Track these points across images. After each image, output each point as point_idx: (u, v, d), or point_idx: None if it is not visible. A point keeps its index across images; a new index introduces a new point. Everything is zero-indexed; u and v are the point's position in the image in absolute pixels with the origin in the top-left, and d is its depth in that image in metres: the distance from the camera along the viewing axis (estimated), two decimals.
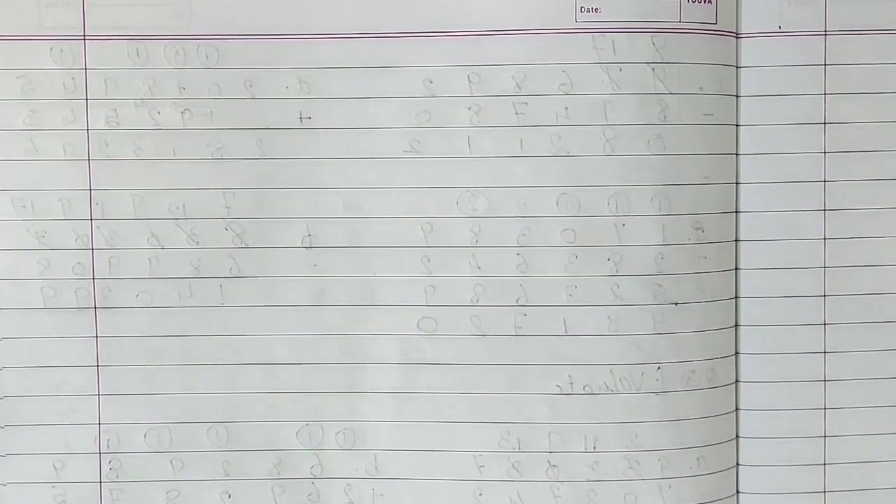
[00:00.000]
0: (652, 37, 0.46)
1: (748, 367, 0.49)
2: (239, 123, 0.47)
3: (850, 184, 0.48)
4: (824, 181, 0.48)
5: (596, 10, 0.46)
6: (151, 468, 0.48)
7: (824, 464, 0.49)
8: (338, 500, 0.48)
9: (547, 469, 0.48)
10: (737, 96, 0.48)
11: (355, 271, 0.47)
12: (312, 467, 0.48)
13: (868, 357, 0.49)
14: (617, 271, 0.47)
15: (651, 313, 0.47)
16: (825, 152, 0.48)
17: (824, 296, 0.48)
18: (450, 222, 0.47)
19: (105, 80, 0.46)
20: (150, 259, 0.47)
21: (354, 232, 0.47)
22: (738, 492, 0.49)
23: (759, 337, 0.48)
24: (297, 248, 0.47)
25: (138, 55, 0.46)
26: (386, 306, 0.47)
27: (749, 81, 0.48)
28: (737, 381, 0.49)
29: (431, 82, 0.47)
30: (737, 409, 0.49)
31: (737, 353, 0.48)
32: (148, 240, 0.47)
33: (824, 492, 0.49)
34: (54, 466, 0.47)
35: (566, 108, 0.46)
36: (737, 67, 0.48)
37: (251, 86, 0.46)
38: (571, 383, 0.47)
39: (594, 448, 0.47)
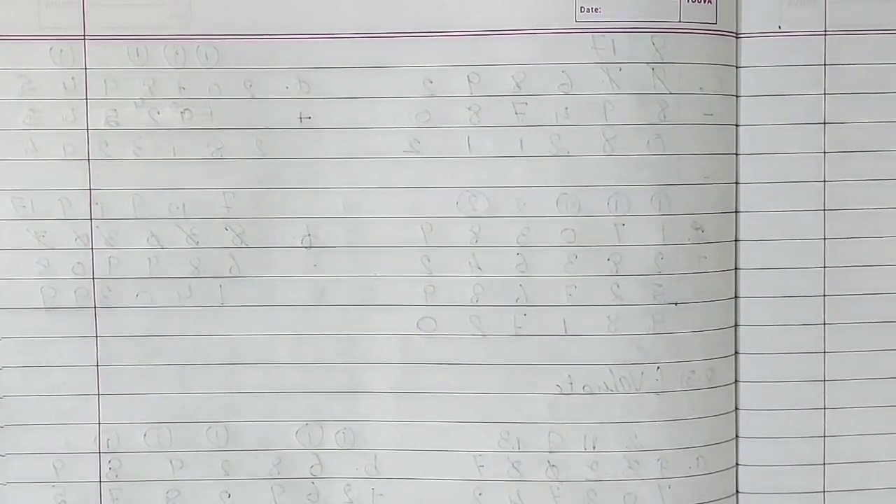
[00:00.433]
0: (652, 37, 0.46)
1: (748, 367, 0.49)
2: (239, 123, 0.47)
3: (849, 184, 0.48)
4: (824, 181, 0.48)
5: (596, 10, 0.46)
6: (151, 468, 0.48)
7: (824, 464, 0.49)
8: (338, 500, 0.48)
9: (547, 469, 0.48)
10: (736, 96, 0.48)
11: (355, 271, 0.47)
12: (312, 467, 0.48)
13: (867, 357, 0.49)
14: (617, 271, 0.47)
15: (651, 313, 0.47)
16: (825, 152, 0.48)
17: (824, 296, 0.48)
18: (450, 222, 0.47)
19: (105, 80, 0.46)
20: (149, 259, 0.47)
21: (354, 232, 0.47)
22: (737, 492, 0.49)
23: (759, 337, 0.49)
24: (297, 248, 0.47)
25: (138, 55, 0.46)
26: (386, 306, 0.47)
27: (749, 81, 0.48)
28: (736, 380, 0.49)
29: (431, 82, 0.47)
30: (736, 408, 0.49)
31: (736, 352, 0.49)
32: (148, 240, 0.47)
33: (824, 492, 0.49)
34: (54, 466, 0.47)
35: (566, 108, 0.47)
36: (736, 67, 0.48)
37: (251, 86, 0.47)
38: (571, 383, 0.47)
39: (594, 448, 0.47)
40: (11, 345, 0.47)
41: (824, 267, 0.48)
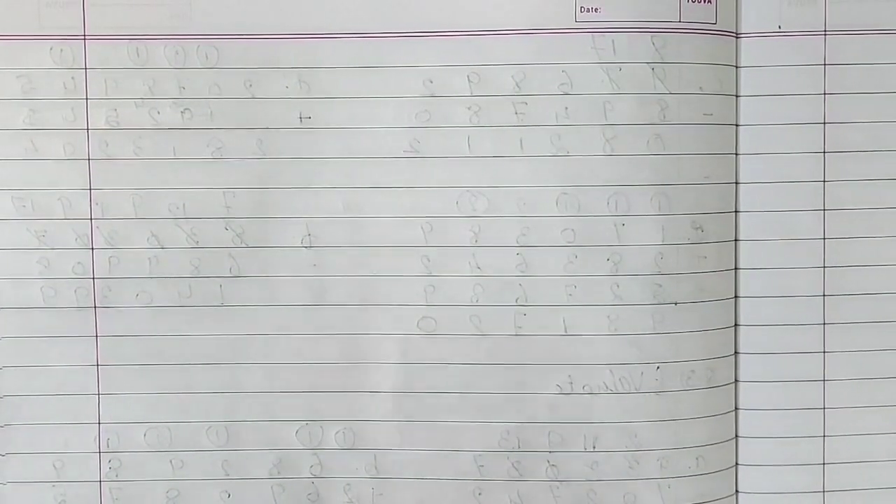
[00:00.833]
0: (652, 37, 0.46)
1: (747, 367, 0.49)
2: (239, 123, 0.47)
3: (849, 184, 0.48)
4: (823, 181, 0.48)
5: (596, 9, 0.46)
6: (151, 467, 0.48)
7: (823, 463, 0.49)
8: (337, 500, 0.48)
9: (546, 469, 0.48)
10: (736, 96, 0.48)
11: (355, 271, 0.47)
12: (312, 467, 0.48)
13: (867, 357, 0.49)
14: (616, 271, 0.47)
15: (650, 313, 0.47)
16: (824, 152, 0.48)
17: (823, 295, 0.48)
18: (450, 222, 0.47)
19: (105, 80, 0.46)
20: (149, 259, 0.47)
21: (355, 232, 0.47)
22: (737, 491, 0.49)
23: (759, 337, 0.49)
24: (297, 248, 0.47)
25: (138, 55, 0.46)
26: (386, 306, 0.47)
27: (749, 81, 0.48)
28: (736, 380, 0.49)
29: (431, 82, 0.47)
30: (736, 408, 0.49)
31: (736, 352, 0.49)
32: (148, 239, 0.47)
33: (823, 491, 0.49)
34: (54, 466, 0.47)
35: (566, 108, 0.47)
36: (736, 67, 0.48)
37: (251, 85, 0.47)
38: (571, 383, 0.47)
39: (594, 448, 0.48)
40: (11, 344, 0.47)
41: (824, 267, 0.48)
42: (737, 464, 0.49)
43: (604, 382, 0.47)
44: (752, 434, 0.49)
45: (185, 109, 0.46)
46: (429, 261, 0.47)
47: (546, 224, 0.47)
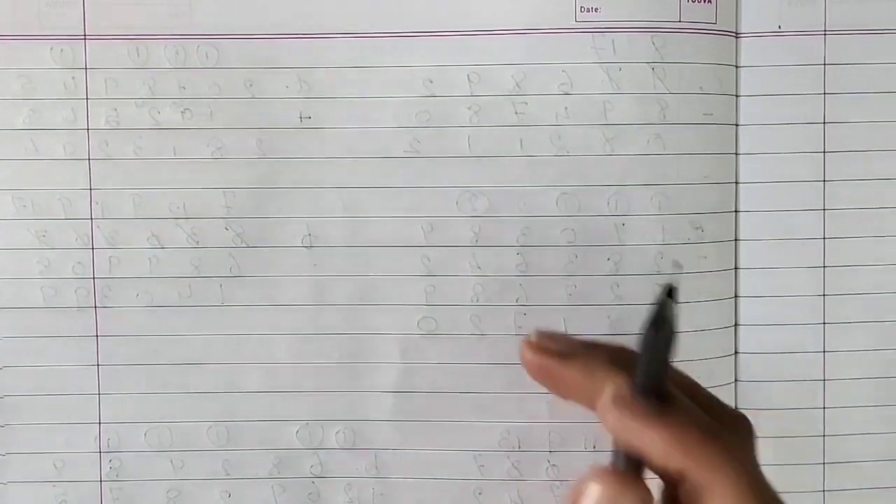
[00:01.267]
0: (652, 37, 0.46)
1: (747, 367, 0.49)
2: (239, 123, 0.47)
3: (849, 183, 0.48)
4: (823, 181, 0.48)
5: (596, 9, 0.46)
6: (152, 467, 0.48)
7: (823, 463, 0.49)
8: (338, 500, 0.48)
9: (547, 468, 0.48)
10: (736, 96, 0.48)
11: (355, 271, 0.47)
12: (312, 466, 0.48)
13: (867, 356, 0.49)
14: (616, 271, 0.47)
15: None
16: (824, 152, 0.48)
17: (823, 295, 0.49)
18: (450, 222, 0.47)
19: (105, 80, 0.46)
20: (150, 258, 0.47)
21: (355, 231, 0.47)
22: None
23: (759, 336, 0.49)
24: (297, 248, 0.47)
25: (138, 55, 0.46)
26: (386, 306, 0.48)
27: (749, 81, 0.48)
28: (736, 380, 0.49)
29: (431, 82, 0.47)
30: (736, 407, 0.48)
31: (736, 352, 0.49)
32: (148, 239, 0.47)
33: (823, 491, 0.49)
34: (55, 465, 0.47)
35: (566, 108, 0.47)
36: (736, 67, 0.48)
37: (251, 85, 0.47)
38: None
39: (594, 448, 0.48)
40: (12, 344, 0.47)
41: (824, 266, 0.48)
42: None
43: None
44: None
45: (186, 109, 0.46)
46: (429, 260, 0.47)
47: (546, 224, 0.47)
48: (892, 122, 0.48)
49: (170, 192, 0.47)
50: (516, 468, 0.48)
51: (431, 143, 0.47)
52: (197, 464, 0.48)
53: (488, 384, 0.48)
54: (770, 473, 0.47)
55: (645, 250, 0.47)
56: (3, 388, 0.47)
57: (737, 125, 0.48)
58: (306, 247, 0.47)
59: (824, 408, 0.49)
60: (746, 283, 0.49)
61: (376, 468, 0.48)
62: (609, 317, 0.47)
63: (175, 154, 0.47)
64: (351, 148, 0.47)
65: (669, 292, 0.33)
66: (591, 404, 0.36)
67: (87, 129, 0.46)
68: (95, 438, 0.47)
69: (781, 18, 0.48)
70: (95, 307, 0.47)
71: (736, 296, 0.49)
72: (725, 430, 0.34)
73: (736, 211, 0.48)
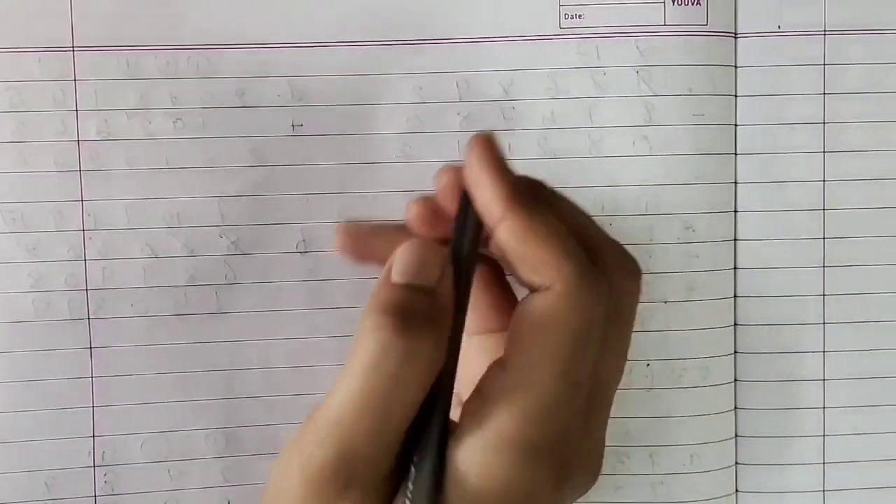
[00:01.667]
0: (636, 41, 0.47)
1: (747, 367, 0.49)
2: (231, 132, 0.47)
3: (848, 183, 0.48)
4: (823, 181, 0.48)
5: (579, 16, 0.47)
6: (148, 479, 0.48)
7: (823, 463, 0.49)
8: None
9: None
10: (735, 96, 0.48)
11: (351, 275, 0.47)
12: None
13: (866, 357, 0.49)
14: None
15: (639, 311, 0.47)
16: (824, 152, 0.48)
17: (823, 295, 0.49)
18: None
19: (95, 91, 0.46)
20: (144, 268, 0.47)
21: None
22: (736, 490, 0.49)
23: (758, 336, 0.49)
24: (292, 254, 0.47)
25: (128, 65, 0.46)
26: None
27: (747, 81, 0.48)
28: (735, 380, 0.49)
29: (421, 89, 0.47)
30: (735, 408, 0.49)
31: (735, 352, 0.49)
32: (142, 249, 0.47)
33: (823, 491, 0.49)
34: (45, 483, 0.47)
35: (552, 112, 0.47)
36: (735, 67, 0.48)
37: (243, 94, 0.47)
38: None
39: None
40: (2, 358, 0.47)
41: (823, 266, 0.48)
42: (736, 463, 0.49)
43: None
44: (751, 433, 0.49)
45: (177, 119, 0.46)
46: None
47: None
48: (892, 122, 0.48)
49: (163, 201, 0.47)
50: None
51: (422, 148, 0.47)
52: (195, 472, 0.48)
53: None
54: (770, 473, 0.48)
55: (632, 249, 0.47)
56: None
57: (735, 125, 0.48)
58: (301, 252, 0.47)
59: (824, 408, 0.49)
60: (745, 282, 0.49)
61: None
62: None
63: (168, 164, 0.47)
64: (343, 154, 0.47)
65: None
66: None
67: (78, 141, 0.46)
68: (89, 453, 0.47)
69: (780, 18, 0.48)
70: (89, 319, 0.47)
71: (735, 296, 0.49)
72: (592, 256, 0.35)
73: (735, 211, 0.48)
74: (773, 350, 0.49)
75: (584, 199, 0.46)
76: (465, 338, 0.34)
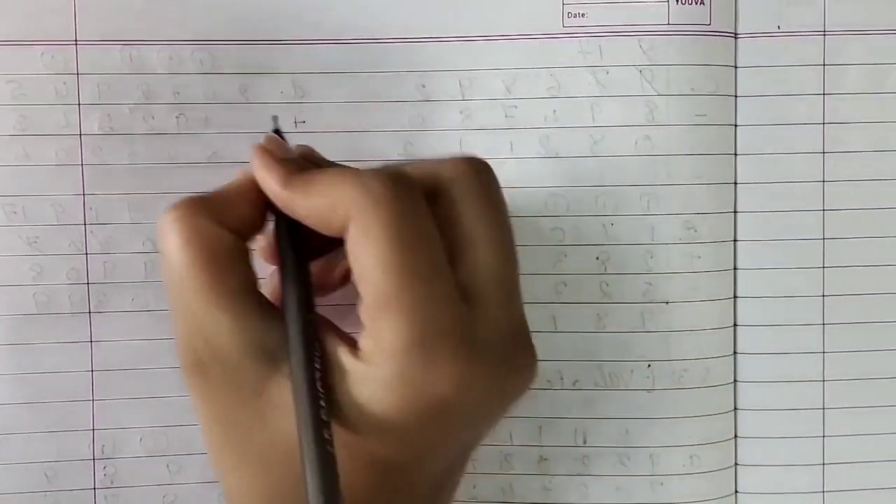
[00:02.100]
0: (639, 40, 0.47)
1: (747, 367, 0.49)
2: (234, 128, 0.47)
3: (848, 184, 0.49)
4: (823, 181, 0.48)
5: (583, 15, 0.47)
6: (147, 473, 0.48)
7: (823, 464, 0.49)
8: None
9: (538, 462, 0.49)
10: (735, 96, 0.48)
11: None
12: None
13: (866, 357, 0.49)
14: (605, 269, 0.48)
15: (640, 311, 0.48)
16: (824, 152, 0.48)
17: (823, 296, 0.49)
18: None
19: (98, 85, 0.47)
20: (145, 263, 0.47)
21: None
22: (736, 491, 0.49)
23: (758, 337, 0.49)
24: None
25: (131, 60, 0.47)
26: None
27: (748, 81, 0.48)
28: (735, 380, 0.49)
29: (424, 86, 0.47)
30: (735, 408, 0.49)
31: (735, 352, 0.49)
32: (143, 243, 0.47)
33: (823, 491, 0.49)
34: (46, 475, 0.47)
35: (554, 111, 0.48)
36: (735, 67, 0.48)
37: (245, 90, 0.47)
38: (562, 378, 0.48)
39: (584, 443, 0.48)
40: (4, 351, 0.47)
41: (823, 267, 0.49)
42: (736, 464, 0.49)
43: (594, 379, 0.48)
44: (751, 434, 0.49)
45: (180, 114, 0.47)
46: None
47: (535, 223, 0.48)
48: (892, 122, 0.48)
49: (165, 196, 0.47)
50: (508, 461, 0.49)
51: (424, 145, 0.48)
52: (194, 467, 0.48)
53: None
54: (770, 474, 0.48)
55: (633, 249, 0.48)
56: None
57: (735, 125, 0.48)
58: None
59: (824, 408, 0.49)
60: (746, 283, 0.49)
61: None
62: (598, 314, 0.48)
63: (170, 159, 0.47)
64: (345, 151, 0.47)
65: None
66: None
67: (80, 135, 0.46)
68: (89, 445, 0.48)
69: (780, 19, 0.48)
70: (90, 313, 0.47)
71: (735, 296, 0.49)
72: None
73: (735, 211, 0.49)
74: (772, 351, 0.49)
75: (586, 199, 0.47)
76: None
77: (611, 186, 0.48)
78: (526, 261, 0.46)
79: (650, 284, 0.48)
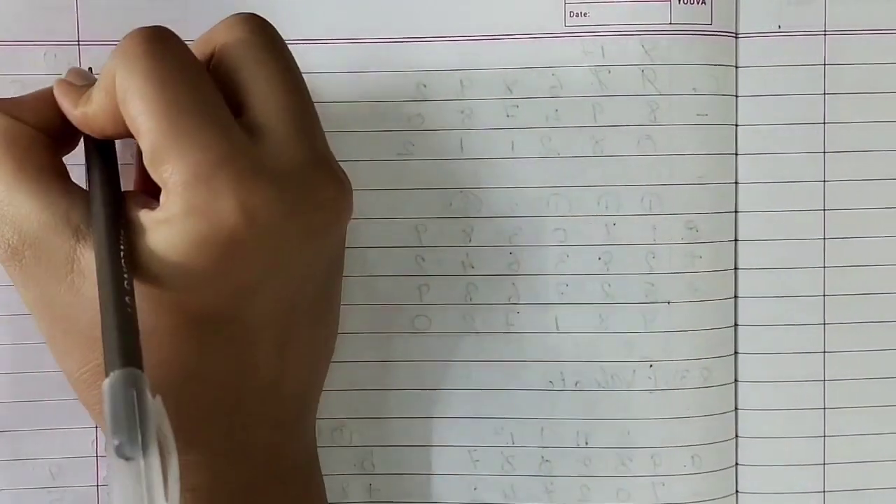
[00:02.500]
0: (641, 39, 0.47)
1: (747, 367, 0.50)
2: None
3: (849, 184, 0.49)
4: (823, 181, 0.49)
5: (585, 14, 0.47)
6: None
7: (823, 464, 0.50)
8: (334, 496, 0.49)
9: (540, 464, 0.49)
10: (736, 96, 0.49)
11: (351, 271, 0.48)
12: None
13: (867, 357, 0.50)
14: (607, 270, 0.48)
15: (642, 312, 0.48)
16: (824, 152, 0.49)
17: (823, 296, 0.49)
18: (443, 222, 0.48)
19: None
20: None
21: (349, 232, 0.47)
22: (737, 491, 0.50)
23: (759, 337, 0.49)
24: None
25: None
26: (381, 305, 0.49)
27: (748, 81, 0.49)
28: (736, 380, 0.50)
29: (425, 86, 0.48)
30: (736, 408, 0.50)
31: (736, 352, 0.49)
32: None
33: (823, 492, 0.50)
34: (50, 471, 0.48)
35: (556, 111, 0.48)
36: (736, 67, 0.48)
37: None
38: (563, 379, 0.49)
39: (586, 444, 0.49)
40: (5, 351, 0.47)
41: (824, 267, 0.49)
42: (736, 464, 0.50)
43: (595, 379, 0.49)
44: (751, 434, 0.50)
45: None
46: (423, 260, 0.49)
47: (537, 223, 0.48)
48: (892, 122, 0.49)
49: None
50: (510, 462, 0.49)
51: (424, 145, 0.48)
52: None
53: (482, 381, 0.49)
54: (770, 474, 0.49)
55: (636, 249, 0.48)
56: None
57: (736, 125, 0.49)
58: None
59: (824, 408, 0.49)
60: (746, 283, 0.49)
61: (373, 464, 0.49)
62: (600, 315, 0.48)
63: None
64: (344, 151, 0.47)
65: None
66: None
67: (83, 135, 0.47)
68: (92, 443, 0.48)
69: (781, 18, 0.48)
70: None
71: (735, 296, 0.49)
72: None
73: (736, 211, 0.49)
74: (773, 351, 0.49)
75: (587, 200, 0.48)
76: None
77: (612, 186, 0.48)
78: (527, 261, 0.48)
79: (652, 285, 0.48)
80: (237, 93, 0.39)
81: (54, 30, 0.47)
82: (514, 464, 0.49)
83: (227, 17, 0.41)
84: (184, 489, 0.36)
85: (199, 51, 0.40)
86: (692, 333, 0.48)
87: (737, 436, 0.50)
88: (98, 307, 0.35)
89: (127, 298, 0.34)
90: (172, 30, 0.39)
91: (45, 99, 0.41)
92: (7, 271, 0.39)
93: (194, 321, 0.38)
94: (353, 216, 0.46)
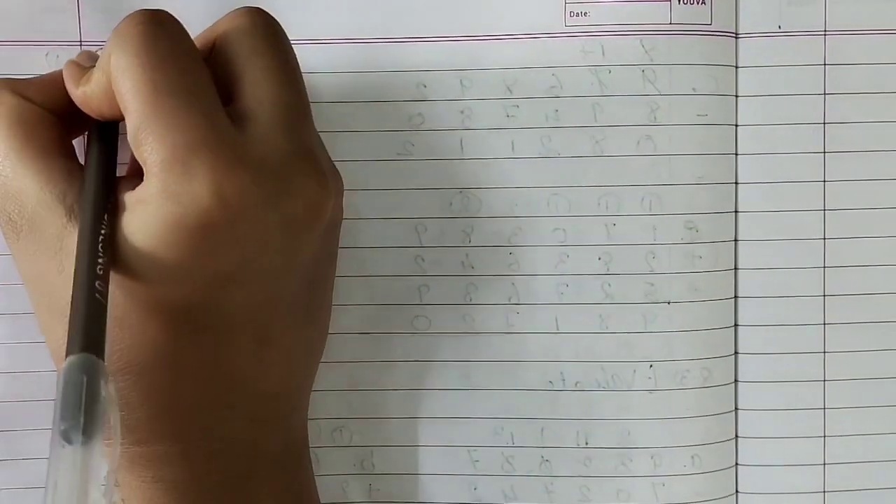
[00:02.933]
0: (641, 39, 0.48)
1: (747, 367, 0.50)
2: None
3: (849, 184, 0.49)
4: (824, 181, 0.49)
5: (585, 14, 0.48)
6: None
7: (824, 464, 0.50)
8: (334, 496, 0.50)
9: (540, 464, 0.50)
10: (736, 96, 0.49)
11: (351, 271, 0.49)
12: None
13: (867, 357, 0.50)
14: (607, 270, 0.49)
15: (642, 312, 0.49)
16: (824, 152, 0.49)
17: (824, 296, 0.50)
18: (443, 222, 0.49)
19: None
20: None
21: (349, 232, 0.48)
22: (737, 491, 0.50)
23: (759, 337, 0.50)
24: None
25: None
26: (381, 305, 0.49)
27: (748, 81, 0.49)
28: (736, 380, 0.50)
29: (425, 86, 0.48)
30: (736, 408, 0.50)
31: (736, 352, 0.50)
32: None
33: (824, 492, 0.50)
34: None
35: (556, 111, 0.48)
36: (736, 67, 0.49)
37: None
38: (563, 380, 0.49)
39: (586, 444, 0.49)
40: (1, 349, 0.48)
41: (824, 267, 0.49)
42: (736, 464, 0.50)
43: (595, 380, 0.49)
44: (752, 434, 0.50)
45: None
46: (423, 261, 0.49)
47: (537, 224, 0.49)
48: (892, 122, 0.49)
49: None
50: (510, 462, 0.50)
51: (424, 145, 0.48)
52: None
53: (482, 381, 0.49)
54: (770, 474, 0.49)
55: (636, 250, 0.49)
56: None
57: (736, 125, 0.49)
58: None
59: (824, 408, 0.50)
60: (746, 283, 0.50)
61: (373, 464, 0.50)
62: (600, 315, 0.49)
63: None
64: (344, 151, 0.48)
65: None
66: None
67: (85, 134, 0.47)
68: None
69: (781, 18, 0.49)
70: None
71: (736, 296, 0.50)
72: None
73: (736, 211, 0.49)
74: (773, 351, 0.50)
75: (587, 200, 0.48)
76: None
77: (612, 186, 0.48)
78: (527, 262, 0.48)
79: (652, 285, 0.48)
80: (231, 81, 0.40)
81: (56, 30, 0.47)
82: (513, 464, 0.50)
83: (233, 10, 0.41)
84: (155, 479, 0.36)
85: (201, 40, 0.41)
86: (692, 333, 0.49)
87: (737, 436, 0.50)
88: None
89: (98, 283, 0.35)
90: None
91: (55, 80, 0.42)
92: (7, 244, 0.40)
93: (167, 306, 0.38)
94: (353, 216, 0.47)
